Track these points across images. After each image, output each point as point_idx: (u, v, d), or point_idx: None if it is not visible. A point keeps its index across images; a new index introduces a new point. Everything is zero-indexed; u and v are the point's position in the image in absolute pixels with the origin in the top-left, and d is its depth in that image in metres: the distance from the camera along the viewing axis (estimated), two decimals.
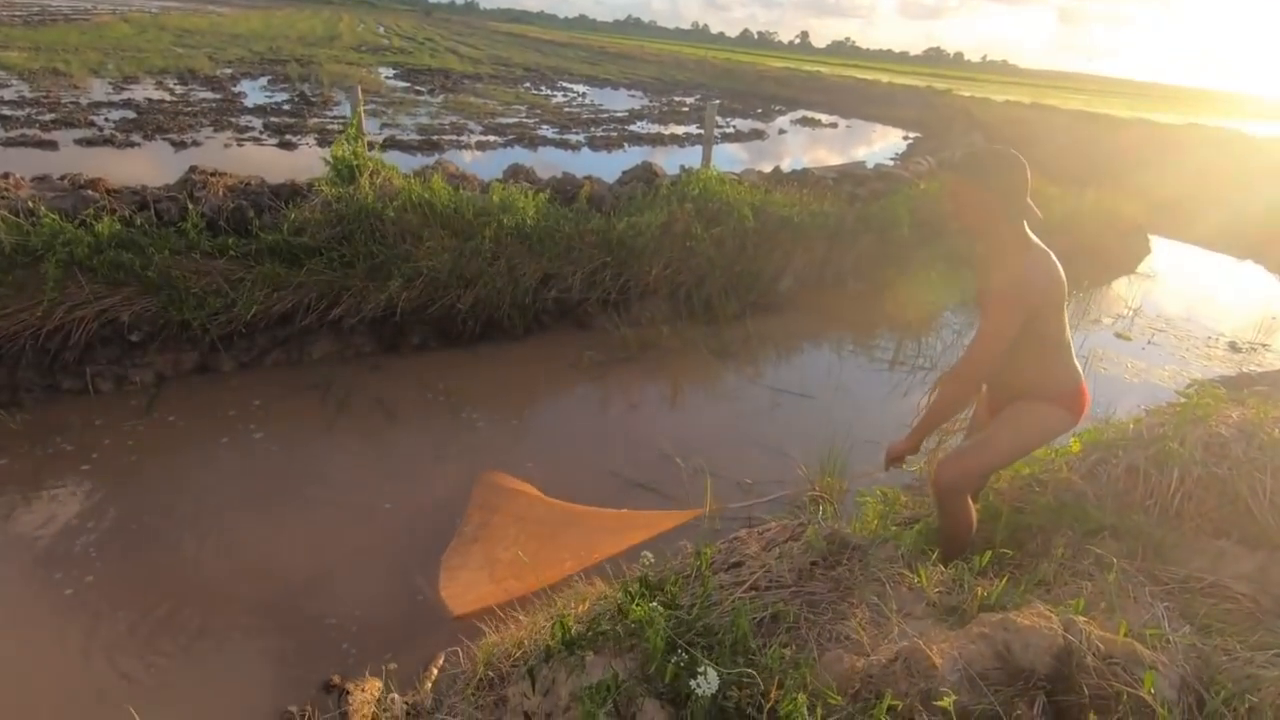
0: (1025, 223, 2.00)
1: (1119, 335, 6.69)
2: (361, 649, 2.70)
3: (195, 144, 10.41)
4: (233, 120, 12.18)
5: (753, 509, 3.65)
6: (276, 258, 4.73)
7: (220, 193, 5.01)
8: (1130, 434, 2.72)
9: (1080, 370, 2.19)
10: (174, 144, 10.24)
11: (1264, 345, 6.79)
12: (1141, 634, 1.54)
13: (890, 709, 1.36)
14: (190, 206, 4.71)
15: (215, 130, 11.38)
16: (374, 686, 2.55)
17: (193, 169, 5.31)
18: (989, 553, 2.06)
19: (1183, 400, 2.84)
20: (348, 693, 2.50)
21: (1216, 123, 19.15)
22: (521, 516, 3.34)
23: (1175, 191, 11.74)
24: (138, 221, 4.54)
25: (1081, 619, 1.54)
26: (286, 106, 14.13)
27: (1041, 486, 2.60)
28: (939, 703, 1.27)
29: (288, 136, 11.27)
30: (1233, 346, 6.69)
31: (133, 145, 10.01)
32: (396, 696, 2.14)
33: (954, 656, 1.48)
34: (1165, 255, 10.20)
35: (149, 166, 8.83)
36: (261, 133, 11.51)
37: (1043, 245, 2.04)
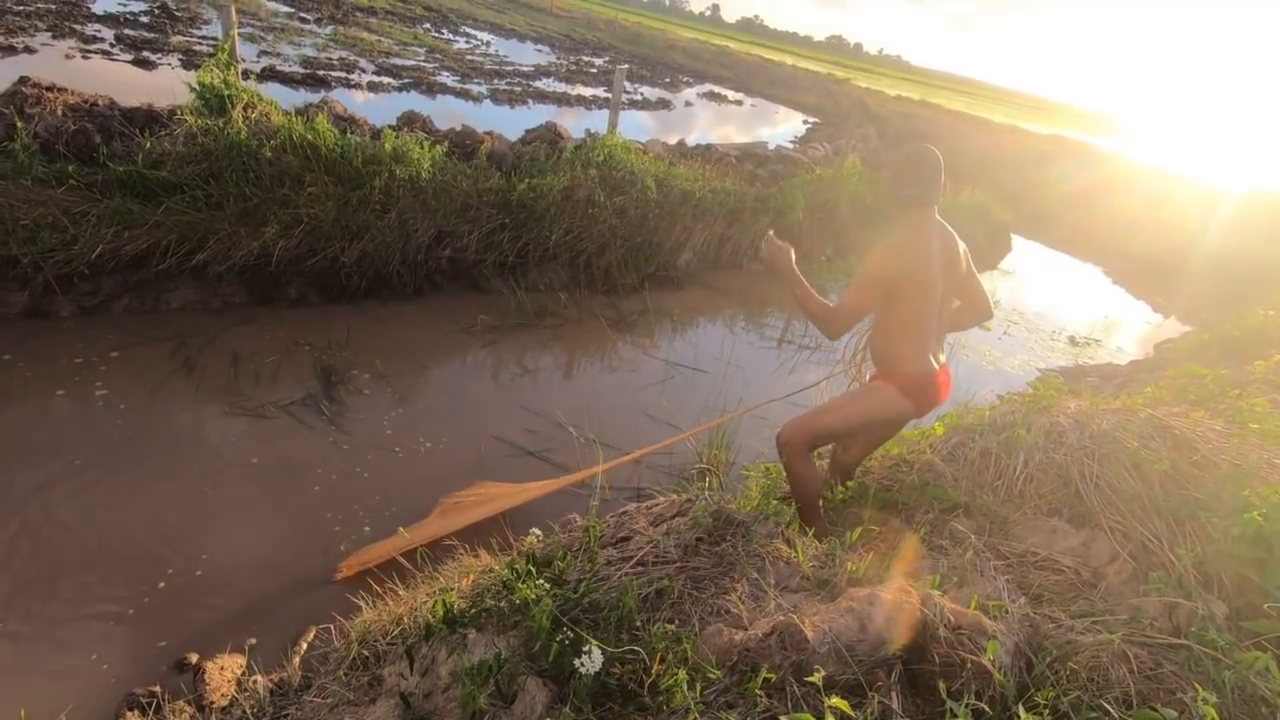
0: (930, 208, 2.32)
1: (980, 326, 7.29)
2: (220, 624, 2.51)
3: (28, 50, 9.00)
4: (77, 28, 10.61)
5: (642, 481, 3.71)
6: (128, 192, 4.20)
7: (59, 111, 4.36)
8: (986, 420, 2.98)
9: (932, 364, 2.36)
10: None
11: (1097, 341, 7.65)
12: (986, 605, 1.70)
13: (765, 681, 1.43)
14: (19, 124, 4.08)
15: (54, 37, 9.88)
16: (235, 664, 2.39)
17: (24, 80, 4.57)
18: (859, 529, 2.20)
19: (1031, 391, 3.14)
20: (204, 671, 2.33)
21: (1077, 136, 21.10)
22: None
23: (1036, 195, 12.87)
24: None
25: (937, 593, 1.68)
26: (145, 19, 12.49)
27: (908, 466, 2.81)
28: (809, 678, 1.35)
29: (145, 53, 9.96)
30: (1072, 341, 7.49)
31: None
32: (260, 677, 2.01)
33: (824, 630, 1.56)
34: (1023, 253, 11.19)
35: None
36: (113, 45, 10.12)
37: (929, 231, 2.30)
